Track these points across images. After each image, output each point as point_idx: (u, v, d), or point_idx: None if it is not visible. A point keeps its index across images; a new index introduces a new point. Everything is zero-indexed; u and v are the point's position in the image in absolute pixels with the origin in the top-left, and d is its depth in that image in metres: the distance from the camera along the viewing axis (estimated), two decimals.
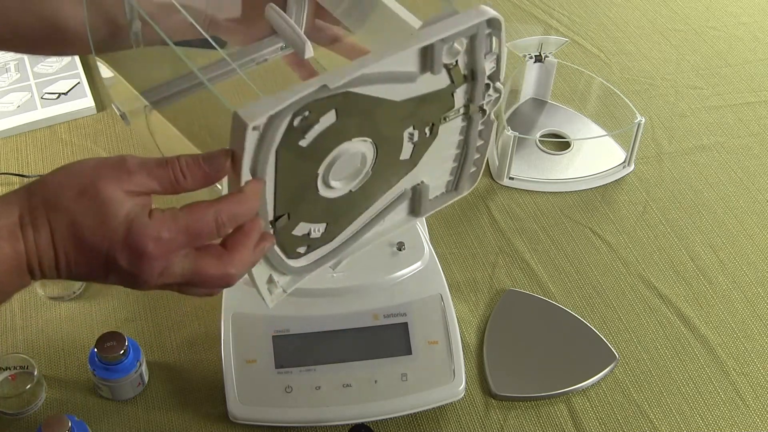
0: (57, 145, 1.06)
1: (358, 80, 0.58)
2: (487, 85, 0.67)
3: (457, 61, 0.64)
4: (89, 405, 0.80)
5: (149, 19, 0.66)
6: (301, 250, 0.67)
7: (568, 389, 0.82)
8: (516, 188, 1.02)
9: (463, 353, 0.79)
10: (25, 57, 1.16)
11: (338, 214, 0.67)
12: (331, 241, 0.69)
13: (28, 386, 0.78)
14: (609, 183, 1.04)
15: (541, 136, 1.08)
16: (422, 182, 0.71)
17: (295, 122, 0.57)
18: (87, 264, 0.54)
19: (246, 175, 0.56)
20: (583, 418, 0.81)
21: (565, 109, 1.13)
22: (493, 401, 0.82)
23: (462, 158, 0.72)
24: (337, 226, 0.68)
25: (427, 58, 0.61)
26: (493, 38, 0.64)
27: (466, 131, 0.70)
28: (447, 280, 0.83)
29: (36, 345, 0.85)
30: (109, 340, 0.77)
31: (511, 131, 0.98)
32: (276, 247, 0.64)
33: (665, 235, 0.98)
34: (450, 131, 0.69)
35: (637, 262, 0.94)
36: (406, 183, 0.70)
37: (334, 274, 0.81)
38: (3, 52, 1.17)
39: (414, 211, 0.73)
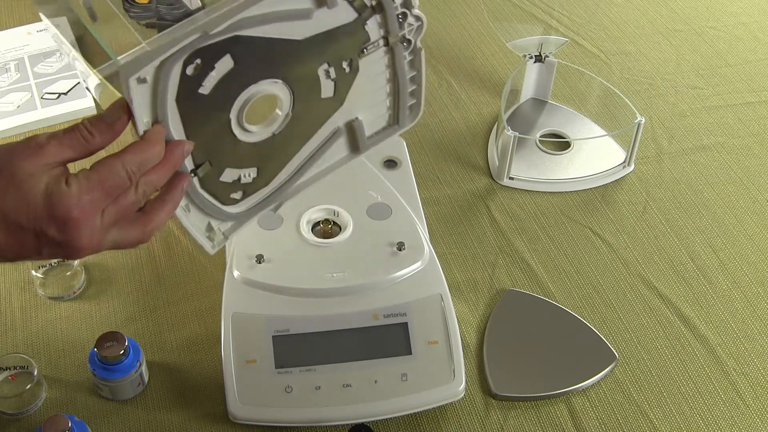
0: None
1: (242, 23, 0.58)
2: (404, 14, 0.66)
3: None
4: (89, 405, 0.80)
5: None
6: (236, 196, 0.68)
7: (568, 389, 0.82)
8: (516, 188, 1.02)
9: (463, 353, 0.79)
10: (25, 57, 1.16)
11: (268, 158, 0.68)
12: (267, 185, 0.69)
13: (28, 386, 0.78)
14: (609, 183, 1.04)
15: (541, 136, 1.08)
16: (357, 118, 0.71)
17: (188, 71, 0.58)
18: (17, 243, 0.56)
19: (145, 125, 0.58)
20: (583, 418, 0.81)
21: (565, 109, 1.13)
22: (493, 401, 0.82)
23: (396, 91, 0.72)
24: (269, 170, 0.69)
25: None
26: None
27: (392, 63, 0.69)
28: (447, 280, 0.83)
29: (36, 345, 0.85)
30: (109, 340, 0.77)
31: (511, 131, 0.98)
32: (208, 195, 0.65)
33: (665, 235, 0.98)
34: (373, 65, 0.68)
35: (637, 262, 0.94)
36: (337, 120, 0.70)
37: (334, 275, 0.81)
38: (3, 51, 1.17)
39: (354, 147, 0.73)
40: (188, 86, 0.58)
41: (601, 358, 0.85)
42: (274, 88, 0.63)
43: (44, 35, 1.20)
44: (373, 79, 0.70)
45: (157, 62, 0.56)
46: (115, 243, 0.59)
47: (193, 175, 0.63)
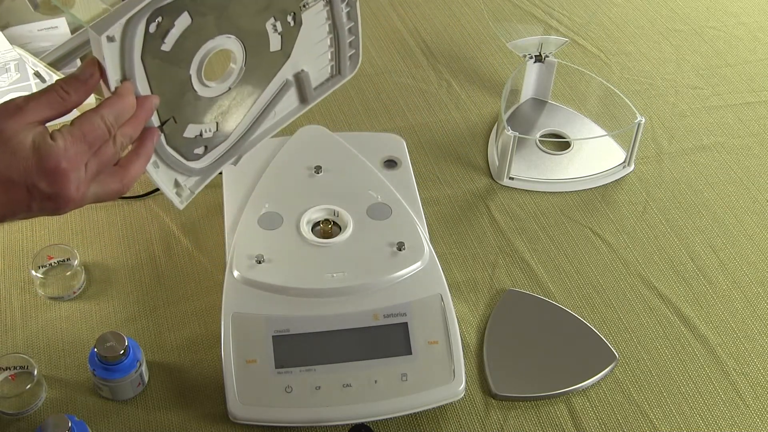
0: None
1: None
2: None
3: None
4: (89, 405, 0.80)
5: None
6: (199, 151, 0.73)
7: (568, 389, 0.82)
8: (516, 188, 1.02)
9: (463, 353, 0.79)
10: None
11: (226, 112, 0.73)
12: (227, 138, 0.75)
13: (28, 386, 0.78)
14: (609, 183, 1.04)
15: (541, 136, 1.08)
16: (303, 70, 0.77)
17: (151, 29, 0.63)
18: (8, 199, 0.59)
19: (115, 82, 0.62)
20: (583, 418, 0.81)
21: (565, 109, 1.13)
22: (493, 401, 0.82)
23: (336, 42, 0.78)
24: (228, 123, 0.74)
25: None
26: None
27: (332, 15, 0.76)
28: (447, 280, 0.83)
29: (36, 345, 0.85)
30: (109, 340, 0.77)
31: (511, 131, 0.98)
32: (173, 151, 0.70)
33: (665, 235, 0.98)
34: (315, 17, 0.75)
35: (637, 262, 0.94)
36: (286, 73, 0.76)
37: (334, 275, 0.81)
38: (3, 51, 1.17)
39: (303, 99, 0.80)
40: (152, 44, 0.63)
41: (601, 358, 0.85)
42: (228, 43, 0.69)
43: (44, 35, 1.20)
44: (315, 32, 0.76)
45: (123, 20, 0.60)
46: (97, 196, 0.63)
47: (160, 132, 0.68)
